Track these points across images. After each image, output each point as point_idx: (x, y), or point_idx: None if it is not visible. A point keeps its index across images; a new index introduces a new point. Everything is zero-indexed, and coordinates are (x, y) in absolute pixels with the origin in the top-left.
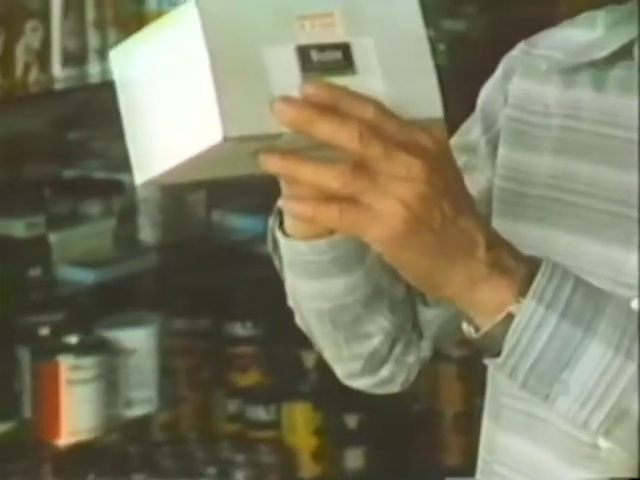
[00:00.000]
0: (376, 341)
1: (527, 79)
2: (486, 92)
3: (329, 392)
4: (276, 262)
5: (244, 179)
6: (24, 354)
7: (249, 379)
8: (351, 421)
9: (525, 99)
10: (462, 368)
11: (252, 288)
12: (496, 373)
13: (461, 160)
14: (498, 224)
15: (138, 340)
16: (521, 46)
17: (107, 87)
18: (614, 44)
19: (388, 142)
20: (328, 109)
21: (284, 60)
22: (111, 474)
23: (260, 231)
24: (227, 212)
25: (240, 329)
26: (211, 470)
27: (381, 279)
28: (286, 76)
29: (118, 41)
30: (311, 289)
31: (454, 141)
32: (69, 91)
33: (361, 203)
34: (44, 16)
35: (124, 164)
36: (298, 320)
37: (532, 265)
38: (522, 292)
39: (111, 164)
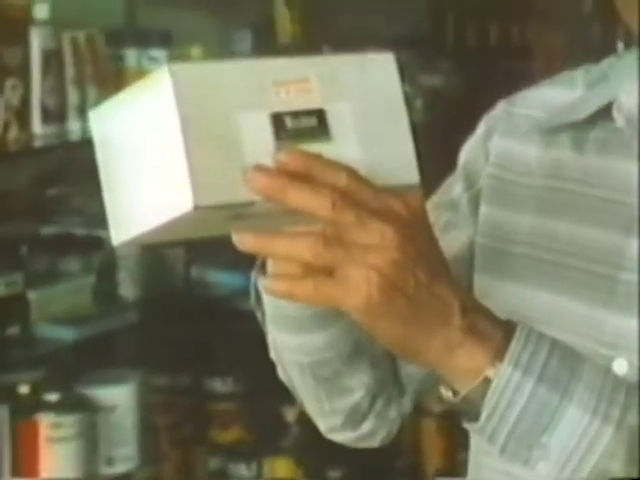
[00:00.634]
0: (357, 396)
1: (508, 138)
2: (467, 150)
3: (311, 447)
4: (259, 315)
5: (223, 236)
6: (3, 412)
7: (230, 435)
8: (333, 476)
9: (506, 158)
10: (443, 423)
11: (232, 344)
12: (475, 438)
13: (443, 217)
14: (480, 282)
15: (118, 397)
16: (502, 105)
17: (87, 144)
18: (592, 106)
19: (361, 210)
20: (301, 177)
21: (258, 127)
22: None
23: (239, 286)
24: (206, 268)
25: (220, 385)
26: None
27: (361, 335)
28: (260, 143)
29: (98, 98)
30: (292, 343)
31: (435, 199)
32: (49, 148)
33: (336, 273)
34: (24, 74)
35: (103, 220)
36: (280, 373)
37: (508, 329)
38: (498, 357)
39: (90, 220)
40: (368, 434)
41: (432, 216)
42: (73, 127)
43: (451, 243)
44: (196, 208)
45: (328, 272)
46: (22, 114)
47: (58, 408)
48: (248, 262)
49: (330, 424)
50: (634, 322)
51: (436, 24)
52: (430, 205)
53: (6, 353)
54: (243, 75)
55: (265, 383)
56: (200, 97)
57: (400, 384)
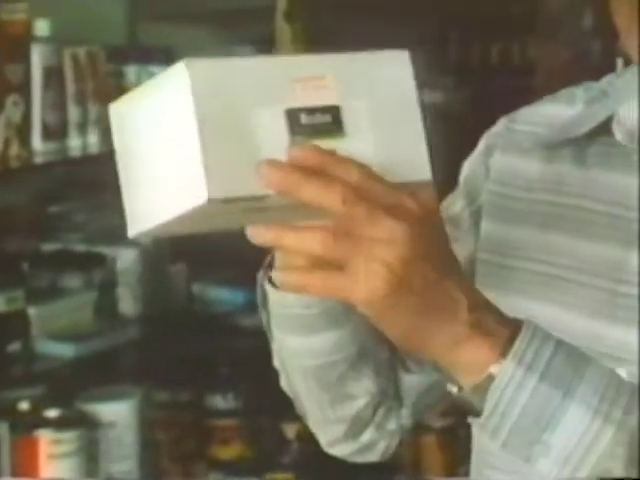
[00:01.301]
0: (361, 403)
1: (509, 154)
2: (468, 167)
3: (311, 463)
4: (264, 318)
5: (226, 252)
6: (3, 429)
7: (231, 452)
8: None
9: (507, 174)
10: (444, 438)
11: (233, 360)
12: (479, 442)
13: None
14: None
15: (119, 413)
16: (503, 122)
17: (87, 161)
18: (593, 121)
19: (372, 205)
20: (313, 172)
21: (273, 123)
22: None
23: (241, 303)
24: (208, 284)
25: (221, 401)
26: None
27: (367, 339)
28: (274, 139)
29: (99, 115)
30: (297, 345)
31: None
32: (49, 165)
33: (345, 267)
34: (25, 90)
35: (104, 237)
36: (283, 382)
37: (514, 327)
38: (503, 353)
39: (91, 237)
40: (368, 446)
41: None
42: (74, 144)
43: None
44: (210, 201)
45: (338, 266)
46: (23, 131)
47: (58, 424)
48: (249, 279)
49: (332, 435)
50: (634, 335)
51: (438, 41)
52: None
53: (6, 369)
54: (260, 71)
55: (266, 399)
56: (216, 92)
57: (400, 396)
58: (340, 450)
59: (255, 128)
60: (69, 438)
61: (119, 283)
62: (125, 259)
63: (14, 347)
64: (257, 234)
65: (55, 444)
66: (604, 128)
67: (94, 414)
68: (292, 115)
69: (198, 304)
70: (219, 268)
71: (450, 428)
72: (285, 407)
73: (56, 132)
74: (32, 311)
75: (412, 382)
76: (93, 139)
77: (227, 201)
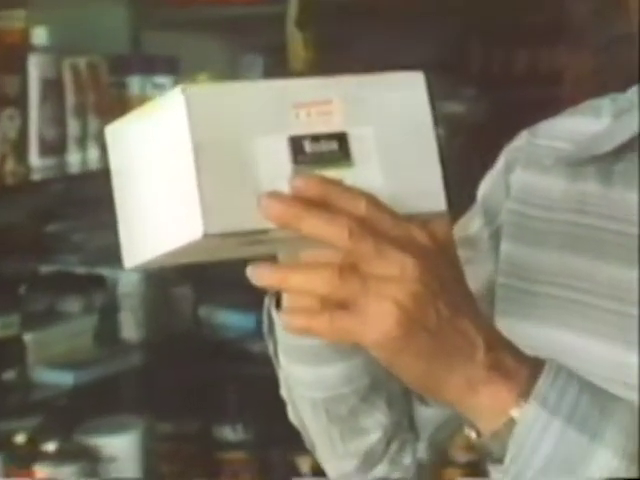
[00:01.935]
0: (373, 437)
1: (530, 171)
2: (487, 184)
3: None
4: (270, 347)
5: (233, 273)
6: None
7: None
8: None
9: (528, 192)
10: (469, 473)
11: (242, 389)
12: None
13: (461, 253)
14: (500, 323)
15: (121, 446)
16: (524, 135)
17: (87, 177)
18: (619, 137)
19: (380, 239)
20: (317, 204)
21: (275, 151)
22: None
23: (250, 328)
24: (215, 308)
25: (230, 433)
26: None
27: (379, 370)
28: (276, 168)
29: (99, 128)
30: (306, 376)
31: (454, 234)
32: (47, 182)
33: (353, 307)
34: (21, 103)
35: (104, 258)
36: (290, 413)
37: (535, 367)
38: (524, 395)
39: (91, 258)
40: None
41: None
42: (73, 159)
43: (469, 281)
44: (206, 236)
45: (346, 305)
46: (19, 146)
47: (56, 458)
48: (259, 302)
49: (342, 469)
50: None
51: (460, 49)
52: None
53: (1, 399)
54: (260, 96)
55: (278, 431)
56: (214, 120)
57: (415, 429)
58: None
59: (255, 157)
60: (68, 473)
61: (121, 307)
62: (127, 281)
63: (9, 375)
64: (259, 276)
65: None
66: (632, 144)
67: (94, 447)
68: (295, 143)
69: (205, 329)
70: (227, 290)
71: (475, 463)
72: (298, 439)
73: (54, 147)
74: (28, 337)
75: (429, 414)
76: (93, 154)
77: (225, 236)
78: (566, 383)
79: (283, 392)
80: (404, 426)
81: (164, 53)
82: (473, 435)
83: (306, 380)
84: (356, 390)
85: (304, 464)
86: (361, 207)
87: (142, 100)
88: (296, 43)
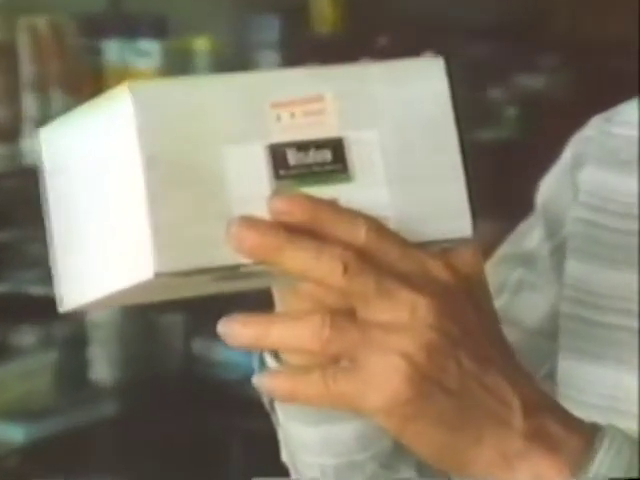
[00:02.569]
0: None
1: (604, 168)
2: (549, 185)
3: None
4: (265, 399)
5: (234, 297)
6: None
7: None
8: None
9: (602, 196)
10: None
11: (245, 445)
12: None
13: (514, 275)
14: (565, 364)
15: None
16: (596, 122)
17: None
18: None
19: (384, 275)
20: (303, 232)
21: (250, 164)
22: None
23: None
24: (212, 341)
25: None
26: None
27: None
28: (251, 186)
29: (65, 108)
30: (310, 438)
31: (506, 250)
32: None
33: (351, 363)
34: None
35: None
36: None
37: (589, 435)
38: (574, 473)
39: (51, 276)
40: None
41: (499, 273)
42: (29, 147)
43: (525, 310)
44: (158, 275)
45: (342, 361)
46: None
47: None
48: None
49: None
50: None
51: (538, 10)
52: (498, 258)
53: None
54: (231, 94)
55: None
56: (171, 126)
57: None
58: None
59: (223, 173)
60: None
61: (90, 340)
62: None
63: None
64: (230, 335)
65: None
66: None
67: None
68: (276, 153)
69: (199, 367)
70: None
71: None
72: None
73: (6, 132)
74: None
75: None
76: None
77: (184, 275)
78: (631, 457)
79: (284, 457)
80: None
81: (150, 12)
82: None
83: (310, 443)
84: (375, 455)
85: None
86: (360, 234)
87: (122, 72)
88: (321, 2)
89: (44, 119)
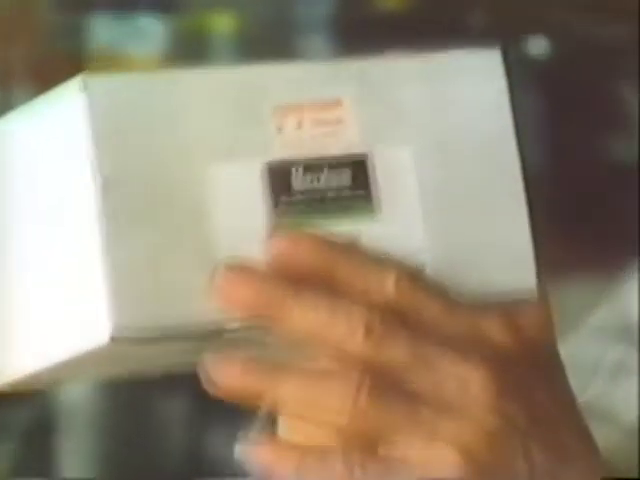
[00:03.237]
0: None
1: None
2: None
3: None
4: None
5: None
6: None
7: None
8: None
9: None
10: None
11: None
12: None
13: (613, 354)
14: None
15: None
16: None
17: None
18: None
19: (420, 338)
20: (312, 283)
21: (240, 189)
22: None
23: None
24: (222, 437)
25: None
26: None
27: None
28: (242, 219)
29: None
30: None
31: (603, 318)
32: None
33: (386, 448)
34: None
35: None
36: None
37: None
38: None
39: None
40: None
41: (592, 349)
42: None
43: (623, 401)
44: (115, 340)
45: (373, 445)
46: None
47: None
48: None
49: None
50: None
51: None
52: (591, 330)
53: None
54: (219, 95)
55: None
56: (138, 137)
57: None
58: None
59: (205, 200)
60: None
61: (56, 427)
62: None
63: None
64: (223, 376)
65: None
66: None
67: None
68: (276, 174)
69: (205, 467)
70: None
71: None
72: None
73: None
74: None
75: None
76: None
77: (149, 340)
78: None
79: None
80: None
81: None
82: None
83: None
84: None
85: None
86: (388, 286)
87: (113, 59)
88: None
89: (1, 112)
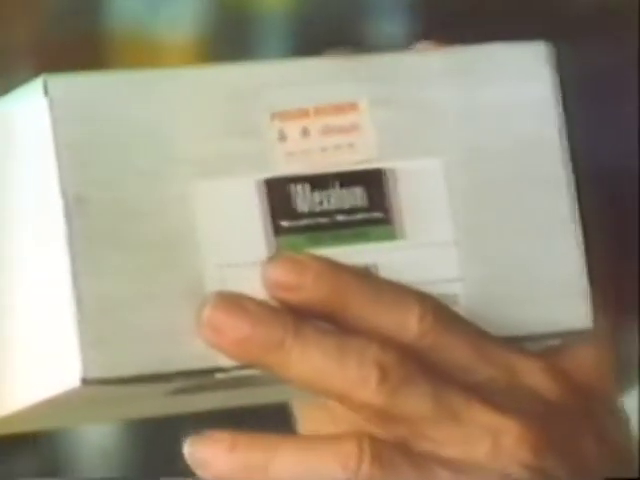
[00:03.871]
0: None
1: None
2: None
3: None
4: None
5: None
6: None
7: None
8: None
9: None
10: None
11: None
12: None
13: None
14: None
15: None
16: None
17: None
18: None
19: (445, 386)
20: (318, 318)
21: (233, 210)
22: None
23: None
24: None
25: None
26: None
27: None
28: (236, 244)
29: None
30: None
31: None
32: None
33: None
34: None
35: None
36: None
37: None
38: None
39: None
40: None
41: None
42: None
43: None
44: (86, 383)
45: None
46: None
47: None
48: None
49: None
50: None
51: None
52: None
53: None
54: (208, 98)
55: None
56: (112, 149)
57: None
58: None
59: (191, 222)
60: None
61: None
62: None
63: None
64: (204, 461)
65: None
66: None
67: None
68: (276, 192)
69: None
70: None
71: None
72: None
73: None
74: None
75: None
76: None
77: (126, 381)
78: None
79: None
80: None
81: None
82: None
83: None
84: None
85: None
86: (410, 323)
87: (137, 44)
88: None
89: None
